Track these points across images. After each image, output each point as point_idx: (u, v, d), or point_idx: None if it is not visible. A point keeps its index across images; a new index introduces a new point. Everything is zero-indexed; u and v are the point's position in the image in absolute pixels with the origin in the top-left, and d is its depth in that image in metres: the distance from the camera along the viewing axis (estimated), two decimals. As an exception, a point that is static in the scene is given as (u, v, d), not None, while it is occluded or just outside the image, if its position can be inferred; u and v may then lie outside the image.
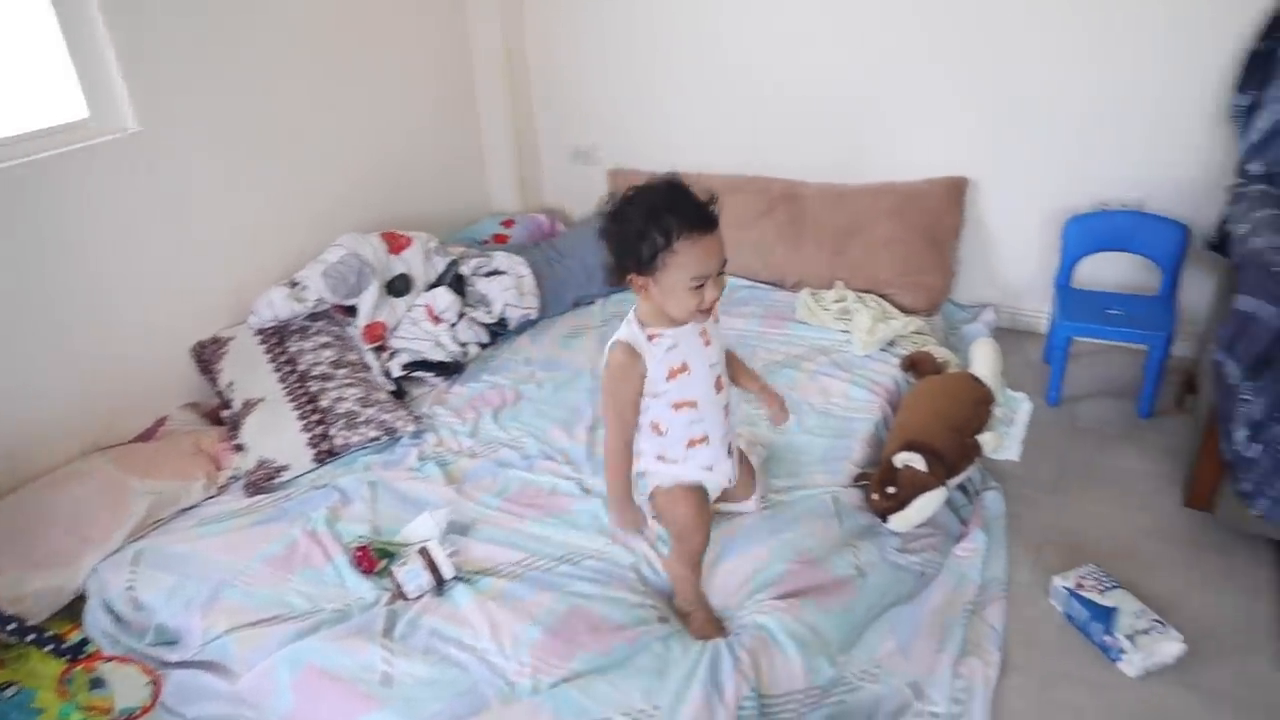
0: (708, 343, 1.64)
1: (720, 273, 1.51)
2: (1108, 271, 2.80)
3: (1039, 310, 2.97)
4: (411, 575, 1.86)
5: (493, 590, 1.86)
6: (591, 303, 3.13)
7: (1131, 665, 1.79)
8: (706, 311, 1.55)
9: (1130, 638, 1.80)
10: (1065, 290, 2.73)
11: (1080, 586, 1.92)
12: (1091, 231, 2.71)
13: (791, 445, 2.26)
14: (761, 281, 3.05)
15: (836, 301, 2.76)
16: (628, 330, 1.60)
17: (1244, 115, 2.43)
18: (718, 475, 1.78)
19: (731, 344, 2.57)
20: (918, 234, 2.83)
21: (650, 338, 1.59)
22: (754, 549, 1.93)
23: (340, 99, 2.91)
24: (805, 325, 2.75)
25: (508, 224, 3.47)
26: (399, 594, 1.87)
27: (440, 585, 1.88)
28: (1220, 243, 2.39)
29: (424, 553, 1.89)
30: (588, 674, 1.66)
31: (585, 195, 3.62)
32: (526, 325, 2.98)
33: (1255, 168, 2.37)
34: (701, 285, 1.49)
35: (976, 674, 1.78)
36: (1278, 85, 2.33)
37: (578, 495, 2.15)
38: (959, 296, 3.06)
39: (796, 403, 2.41)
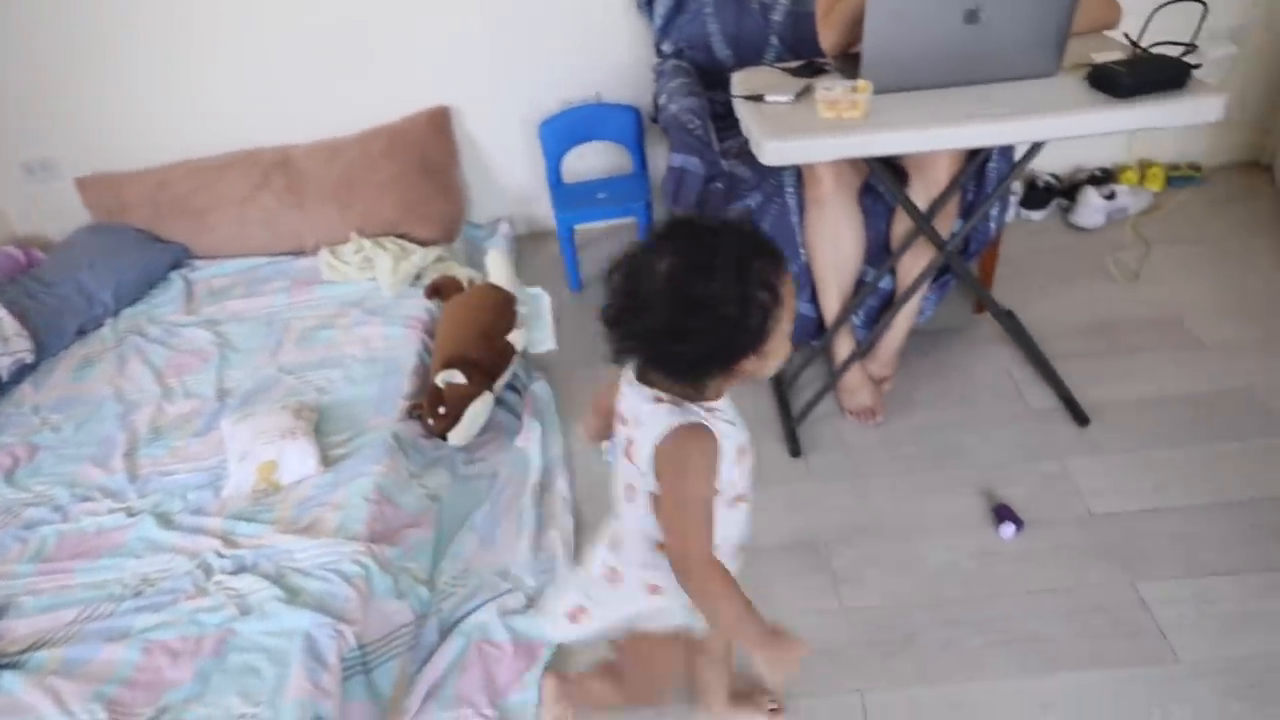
0: None
1: None
2: (590, 162, 3.10)
3: (547, 211, 3.22)
4: (-65, 686, 1.61)
5: (50, 663, 1.68)
6: (100, 325, 2.82)
7: (674, 484, 2.09)
8: None
9: (666, 463, 2.09)
10: (558, 186, 2.98)
11: (622, 436, 2.18)
12: (565, 129, 2.97)
13: (344, 401, 2.27)
14: (280, 253, 2.96)
15: (356, 253, 2.77)
16: (681, 412, 1.05)
17: (647, 5, 2.78)
18: None
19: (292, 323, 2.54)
20: (414, 169, 2.90)
21: (710, 411, 1.08)
22: (333, 497, 1.95)
23: None
24: (333, 284, 2.74)
25: (-33, 267, 2.98)
26: (-73, 714, 1.61)
27: (-20, 682, 1.66)
28: (658, 115, 2.74)
29: (-54, 657, 1.65)
30: (180, 704, 1.58)
31: (60, 214, 3.20)
32: (24, 371, 2.62)
33: (667, 47, 2.74)
34: None
35: (556, 543, 1.97)
36: (662, -27, 2.70)
37: (127, 524, 1.99)
38: (477, 216, 3.21)
39: (341, 359, 2.42)
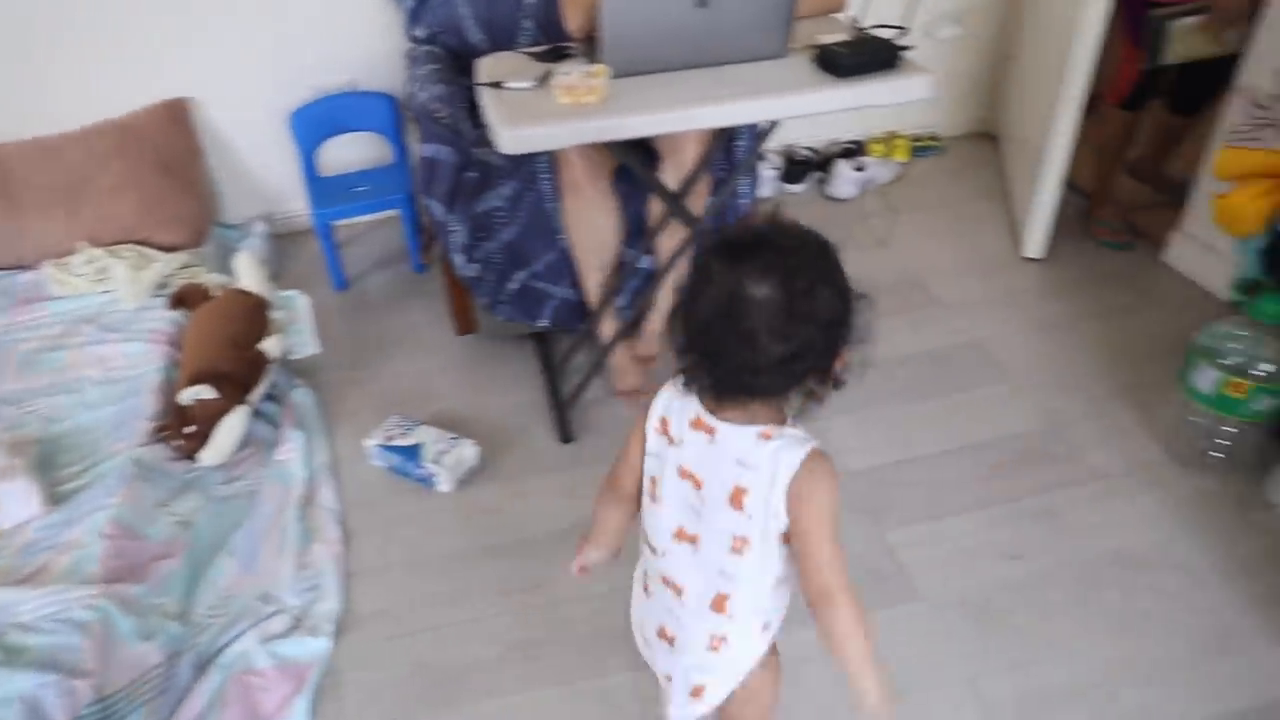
0: None
1: None
2: (349, 153, 2.95)
3: (307, 207, 3.05)
4: None
5: None
6: None
7: (445, 483, 2.05)
8: None
9: (436, 461, 2.04)
10: (314, 181, 2.83)
11: (389, 439, 2.11)
12: (318, 119, 2.82)
13: (78, 428, 2.07)
14: (-3, 269, 2.65)
15: (88, 264, 2.52)
16: (795, 441, 1.02)
17: (395, -14, 2.68)
18: None
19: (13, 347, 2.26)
20: (151, 168, 2.66)
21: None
22: (64, 537, 1.77)
23: None
24: (62, 300, 2.47)
25: None
26: None
27: None
28: (410, 103, 2.66)
29: None
30: None
31: None
32: None
33: (419, 32, 2.63)
34: None
35: (323, 557, 1.88)
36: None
37: None
38: (230, 216, 3.00)
39: (74, 382, 2.20)
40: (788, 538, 1.06)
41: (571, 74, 1.78)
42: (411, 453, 2.06)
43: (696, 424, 1.05)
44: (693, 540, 1.10)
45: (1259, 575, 1.83)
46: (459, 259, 2.17)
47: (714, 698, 1.21)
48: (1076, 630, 1.74)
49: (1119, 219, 2.89)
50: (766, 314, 0.92)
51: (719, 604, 1.12)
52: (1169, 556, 1.88)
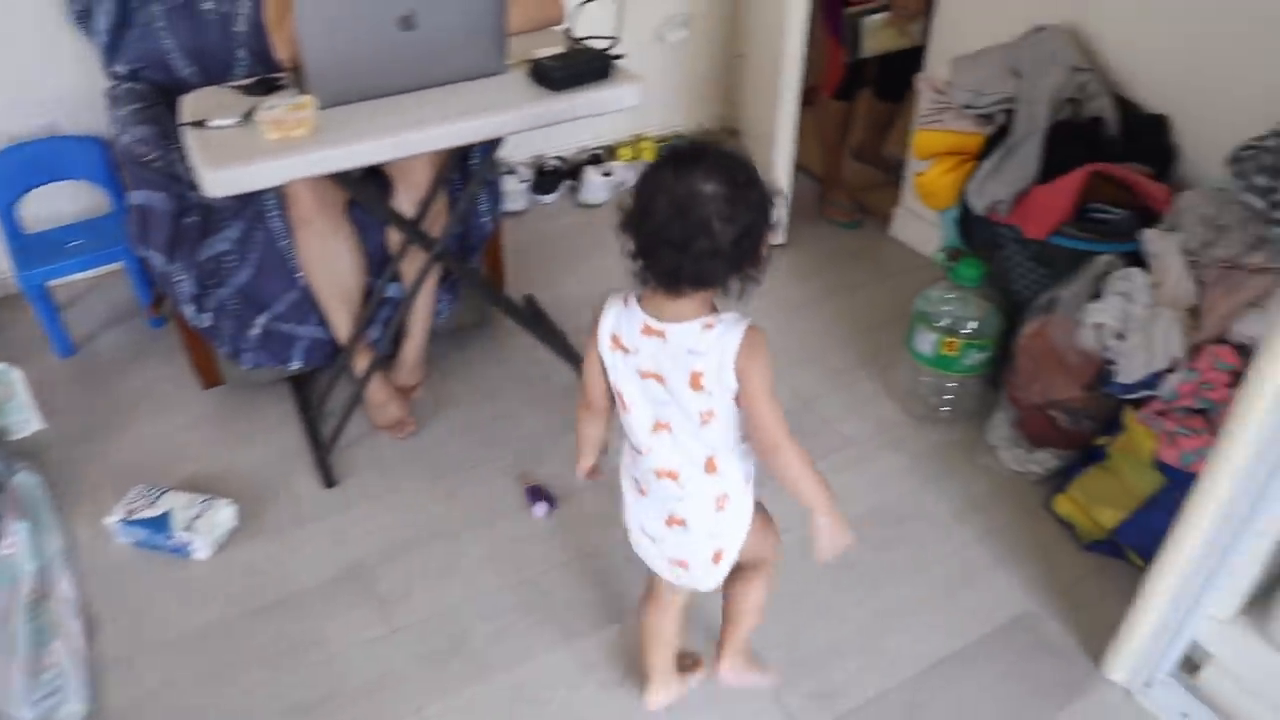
0: None
1: None
2: (59, 204, 2.69)
3: (8, 269, 2.77)
4: None
5: None
6: None
7: (201, 549, 1.91)
8: None
9: (188, 528, 1.91)
10: (16, 238, 2.56)
11: (132, 512, 1.95)
12: (14, 169, 2.53)
13: None
14: None
15: None
16: (731, 320, 1.18)
17: (82, 21, 2.46)
18: None
19: None
20: None
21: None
22: None
23: None
24: None
25: None
26: None
27: None
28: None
29: None
30: None
31: None
32: None
33: (120, 68, 2.43)
34: None
35: (63, 656, 1.71)
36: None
37: None
38: (-79, 288, 2.68)
39: None
40: (740, 401, 1.23)
41: (277, 108, 1.70)
42: (160, 524, 1.91)
43: (647, 331, 1.20)
44: (667, 427, 1.26)
45: (988, 511, 2.03)
46: (190, 310, 2.03)
47: (731, 555, 1.38)
48: (838, 590, 1.86)
49: (848, 200, 3.11)
50: (717, 204, 1.09)
51: (710, 465, 1.28)
52: (916, 507, 2.05)
